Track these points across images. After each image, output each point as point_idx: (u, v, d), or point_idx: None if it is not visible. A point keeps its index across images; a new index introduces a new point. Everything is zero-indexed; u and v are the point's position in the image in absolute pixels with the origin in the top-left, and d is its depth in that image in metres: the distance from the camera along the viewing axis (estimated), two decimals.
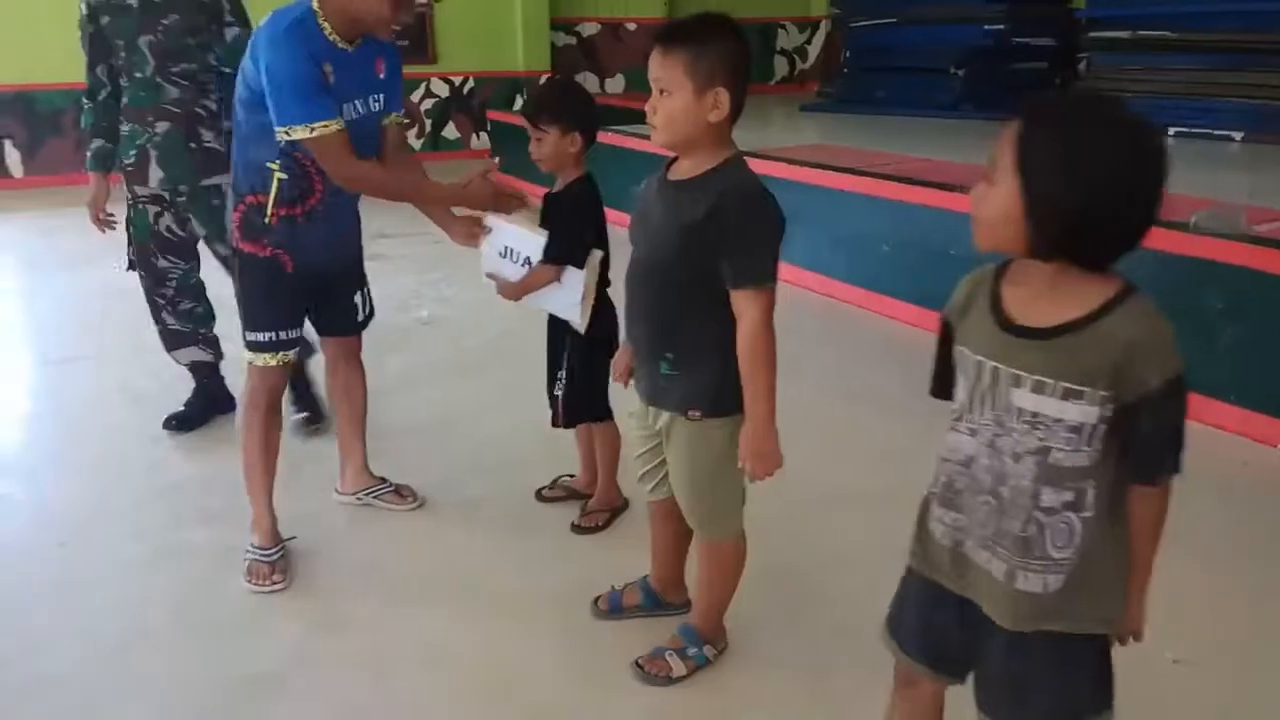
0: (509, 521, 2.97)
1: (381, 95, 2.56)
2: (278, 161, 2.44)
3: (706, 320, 1.93)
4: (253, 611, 2.51)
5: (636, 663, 2.22)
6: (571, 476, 3.11)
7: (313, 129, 2.32)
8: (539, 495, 3.08)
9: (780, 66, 12.88)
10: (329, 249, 2.64)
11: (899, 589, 1.59)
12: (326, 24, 2.37)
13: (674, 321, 1.98)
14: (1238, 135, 6.78)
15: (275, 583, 2.59)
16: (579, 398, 2.78)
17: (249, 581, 2.59)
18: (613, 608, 2.46)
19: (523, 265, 2.60)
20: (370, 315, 2.92)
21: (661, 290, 1.98)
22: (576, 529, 2.90)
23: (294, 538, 2.77)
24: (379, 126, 2.61)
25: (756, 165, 5.82)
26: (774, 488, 3.02)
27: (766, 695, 2.18)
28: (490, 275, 2.72)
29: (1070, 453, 1.30)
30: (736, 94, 1.85)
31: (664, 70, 1.84)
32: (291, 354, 2.66)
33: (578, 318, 2.60)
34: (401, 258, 5.76)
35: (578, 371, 2.75)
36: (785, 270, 6.17)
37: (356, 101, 2.46)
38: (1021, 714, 1.43)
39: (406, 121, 2.81)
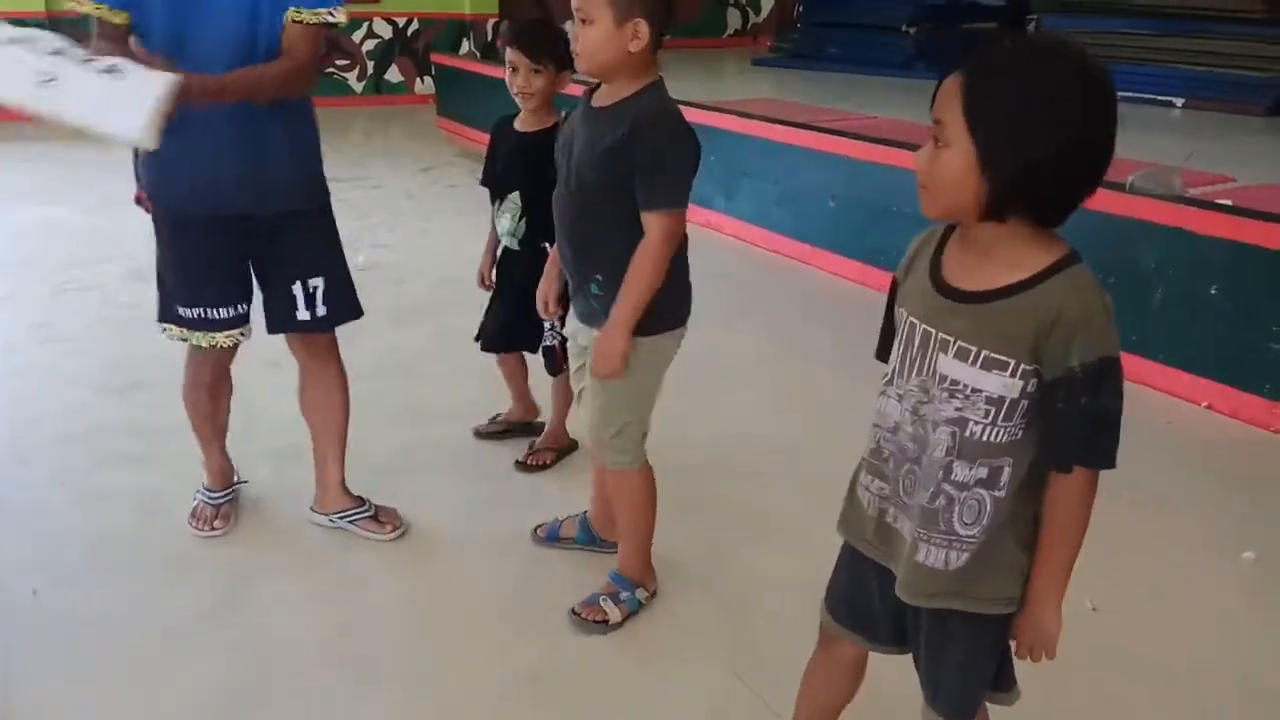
0: (452, 467, 2.94)
1: None
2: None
3: (632, 240, 1.94)
4: (177, 556, 2.45)
5: (573, 610, 2.23)
6: (500, 415, 3.12)
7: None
8: (477, 433, 3.09)
9: (733, 19, 12.76)
10: (186, 169, 2.09)
11: (838, 556, 1.54)
12: None
13: (600, 244, 2.00)
14: (1179, 101, 6.89)
15: (215, 528, 2.49)
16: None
17: (191, 523, 2.51)
18: (550, 535, 2.53)
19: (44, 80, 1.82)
20: (327, 316, 2.36)
21: (587, 214, 2.00)
22: (521, 466, 2.91)
23: (246, 481, 2.66)
24: (253, 32, 2.05)
25: (707, 117, 5.86)
26: (710, 437, 3.11)
27: (692, 641, 2.20)
28: None
29: (987, 426, 1.24)
30: (657, 24, 1.86)
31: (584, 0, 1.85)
32: (224, 335, 2.28)
33: (139, 133, 1.84)
34: (337, 203, 5.64)
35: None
36: (732, 224, 6.20)
37: None
38: (933, 688, 1.43)
39: (307, 20, 2.08)
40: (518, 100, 2.67)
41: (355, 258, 4.65)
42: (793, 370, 3.73)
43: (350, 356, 2.54)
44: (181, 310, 2.26)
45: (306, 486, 2.61)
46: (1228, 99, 6.66)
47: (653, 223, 1.90)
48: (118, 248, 4.88)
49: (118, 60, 1.83)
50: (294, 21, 2.07)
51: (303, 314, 2.33)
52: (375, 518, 2.59)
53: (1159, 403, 3.50)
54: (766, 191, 5.42)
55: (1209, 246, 3.45)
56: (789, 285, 4.83)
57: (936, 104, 1.19)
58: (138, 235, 3.47)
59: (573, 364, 2.28)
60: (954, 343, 1.24)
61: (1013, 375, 1.21)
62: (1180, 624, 2.31)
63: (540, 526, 2.54)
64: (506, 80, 2.66)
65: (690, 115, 6.53)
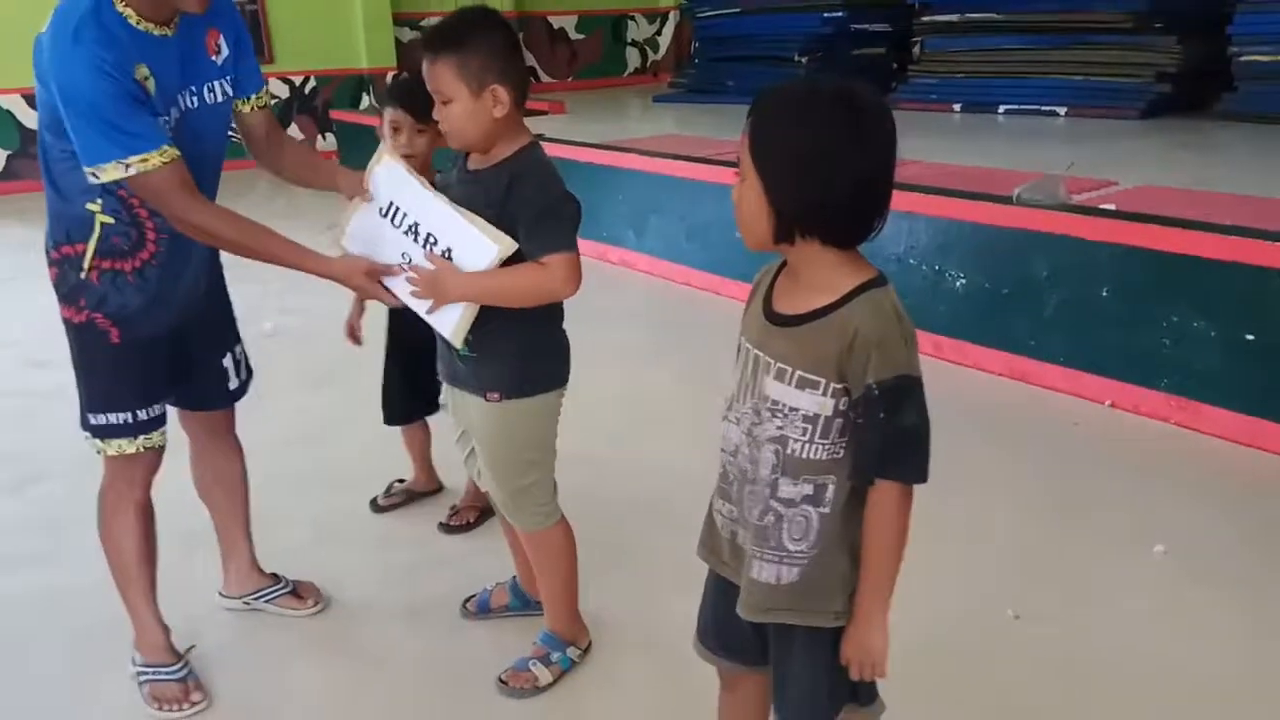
0: (367, 536, 2.87)
1: (224, 79, 2.01)
2: (99, 201, 1.90)
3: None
4: (86, 660, 2.33)
5: (500, 679, 2.17)
6: (401, 481, 3.06)
7: (128, 164, 1.77)
8: (375, 506, 3.01)
9: (632, 58, 12.91)
10: (170, 309, 2.06)
11: (704, 587, 1.57)
12: (127, 9, 1.80)
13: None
14: (1062, 110, 7.16)
15: (195, 702, 2.14)
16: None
17: (161, 709, 2.13)
18: (480, 608, 2.45)
19: (429, 250, 1.91)
20: (248, 379, 2.36)
21: None
22: (445, 528, 2.85)
23: (194, 646, 2.30)
24: (227, 117, 2.07)
25: (613, 158, 5.89)
26: (634, 481, 3.08)
27: (629, 697, 2.17)
28: (357, 247, 2.01)
29: (805, 443, 1.30)
30: (514, 84, 1.85)
31: (436, 80, 1.84)
32: (158, 435, 2.09)
33: (453, 328, 1.92)
34: (241, 266, 5.51)
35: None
36: (644, 260, 6.20)
37: (185, 95, 1.94)
38: (780, 702, 1.45)
39: (273, 100, 2.36)
40: None
41: (261, 324, 4.57)
42: (712, 405, 3.72)
43: (255, 426, 2.46)
44: (111, 418, 2.04)
45: (214, 571, 2.51)
46: (1106, 105, 6.95)
47: (557, 263, 1.83)
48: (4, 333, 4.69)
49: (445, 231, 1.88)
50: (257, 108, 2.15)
51: (234, 382, 2.31)
52: (295, 593, 2.50)
53: (1064, 405, 3.60)
54: (675, 227, 5.46)
55: (1097, 251, 3.58)
56: (704, 318, 4.86)
57: (740, 143, 1.28)
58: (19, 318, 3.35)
59: (452, 430, 2.20)
60: (774, 365, 1.31)
61: (824, 394, 1.28)
62: (1100, 624, 2.36)
63: (470, 599, 2.46)
64: (385, 138, 2.55)
65: (596, 156, 6.56)
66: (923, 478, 1.28)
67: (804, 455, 1.30)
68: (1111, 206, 3.73)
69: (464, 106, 1.83)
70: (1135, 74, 7.05)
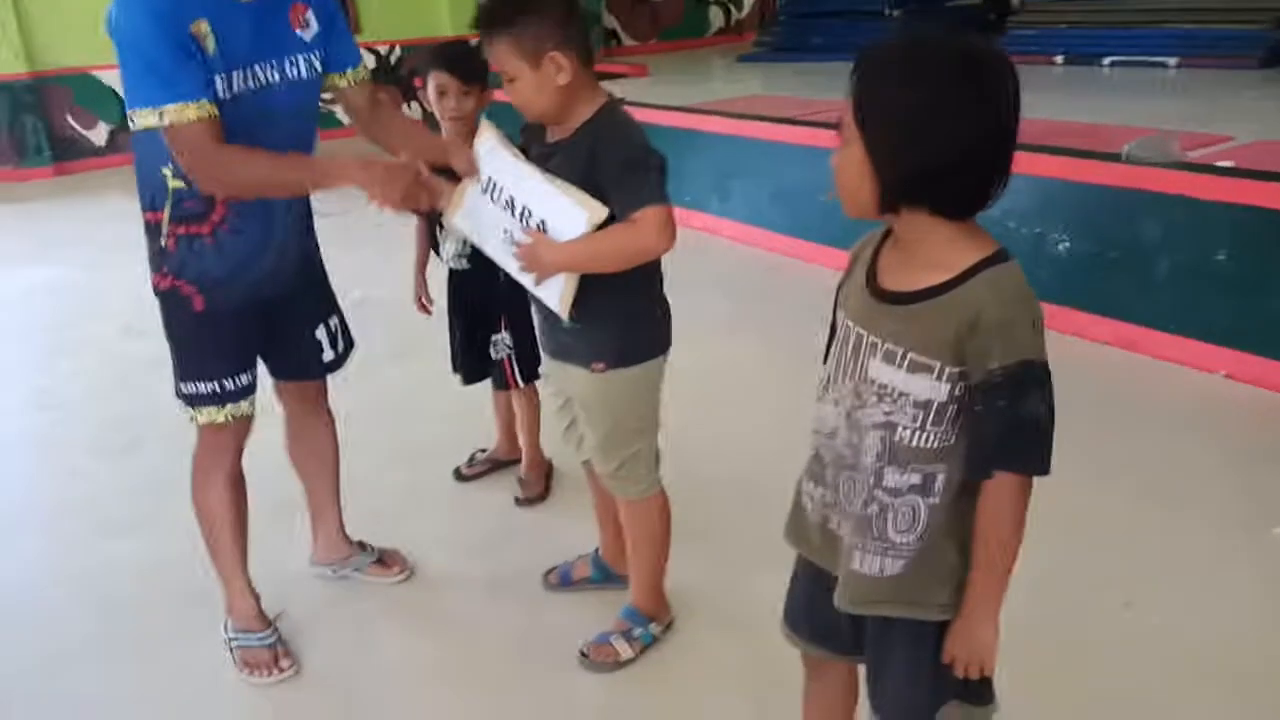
0: (453, 506, 2.88)
1: (310, 55, 1.97)
2: (170, 165, 1.88)
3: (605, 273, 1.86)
4: (180, 625, 2.40)
5: (581, 652, 2.16)
6: (484, 451, 3.06)
7: (162, 112, 1.74)
8: (458, 475, 3.01)
9: (716, 17, 12.69)
10: (255, 278, 2.04)
11: (792, 570, 1.50)
12: None
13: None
14: (1172, 61, 6.77)
15: (283, 669, 2.18)
16: (528, 355, 2.70)
17: (251, 674, 2.18)
18: (563, 580, 2.44)
19: (525, 225, 1.89)
20: (347, 351, 2.35)
21: None
22: (521, 502, 2.85)
23: (284, 611, 2.34)
24: (313, 93, 2.02)
25: (693, 120, 5.79)
26: (716, 457, 3.02)
27: (712, 673, 2.13)
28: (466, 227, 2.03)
29: (915, 431, 1.21)
30: (576, 48, 1.80)
31: (495, 59, 1.82)
32: (246, 404, 2.10)
33: (558, 300, 1.90)
34: (332, 235, 5.61)
35: (520, 328, 2.69)
36: (728, 226, 6.10)
37: (261, 67, 1.88)
38: (877, 697, 1.38)
39: (366, 76, 2.13)
40: (446, 125, 2.59)
41: (352, 293, 4.64)
42: (799, 379, 3.58)
43: (342, 394, 2.47)
44: (200, 386, 2.05)
45: (304, 539, 2.55)
46: (1221, 55, 6.54)
47: (647, 217, 1.75)
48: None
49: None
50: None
51: (329, 354, 2.29)
52: (381, 561, 2.53)
53: (1176, 375, 3.40)
54: (760, 191, 5.34)
55: (1213, 211, 3.36)
56: (790, 286, 4.74)
57: (844, 105, 1.17)
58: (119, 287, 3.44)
59: (552, 403, 2.19)
60: (882, 345, 1.21)
61: (939, 378, 1.18)
62: (1214, 612, 2.22)
63: (551, 571, 2.45)
64: (433, 103, 2.58)
65: (678, 120, 6.46)
66: (1045, 469, 1.18)
67: (913, 443, 1.21)
68: (1229, 163, 3.49)
69: (527, 81, 1.80)
70: (1252, 20, 6.62)
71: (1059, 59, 7.24)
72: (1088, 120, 4.46)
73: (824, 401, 1.33)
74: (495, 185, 1.91)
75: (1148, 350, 3.52)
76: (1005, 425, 1.15)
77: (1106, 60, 7.02)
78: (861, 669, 1.47)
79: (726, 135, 5.49)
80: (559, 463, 2.94)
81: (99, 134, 8.87)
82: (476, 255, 2.58)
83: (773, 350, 3.86)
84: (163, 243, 1.97)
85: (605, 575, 2.41)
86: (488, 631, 2.32)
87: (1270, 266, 3.24)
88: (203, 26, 1.78)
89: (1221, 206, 3.34)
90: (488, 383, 2.90)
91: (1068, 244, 3.74)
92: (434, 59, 2.59)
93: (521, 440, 2.93)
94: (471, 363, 2.85)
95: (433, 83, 2.56)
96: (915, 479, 1.23)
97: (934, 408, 1.19)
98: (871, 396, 1.23)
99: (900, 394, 1.20)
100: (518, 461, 3.01)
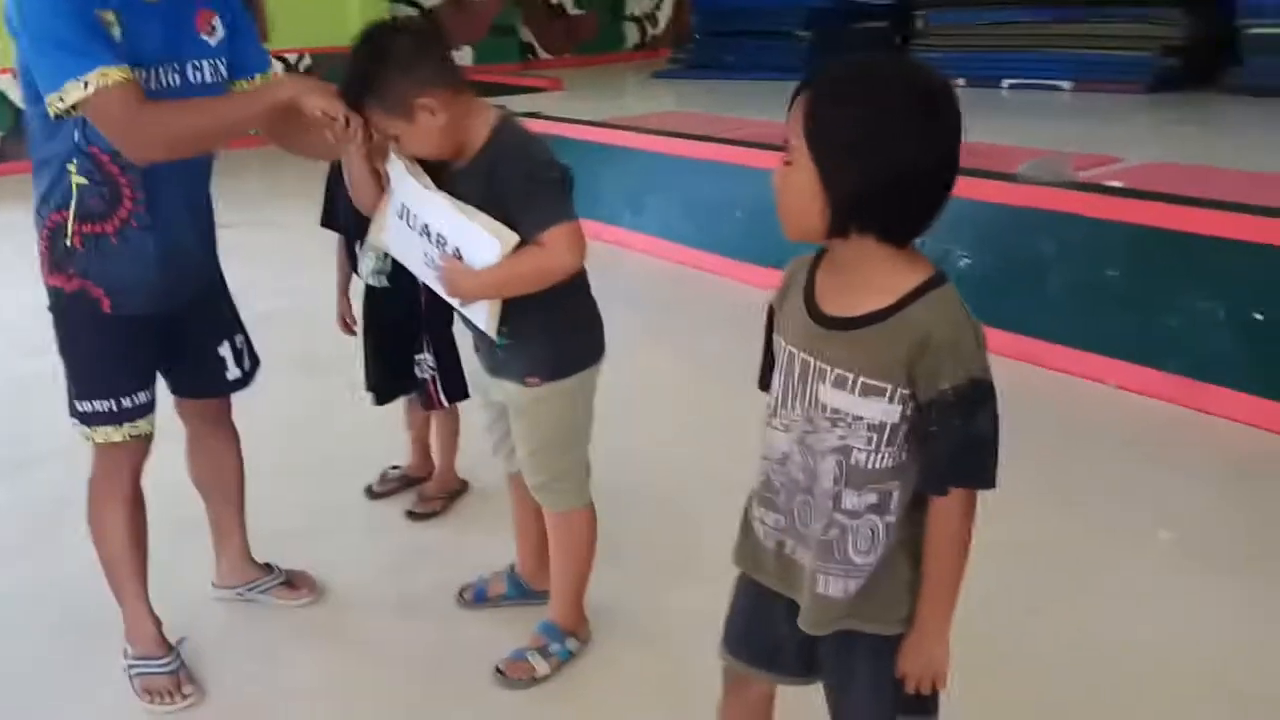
0: (362, 525, 2.83)
1: (215, 60, 1.95)
2: (74, 162, 1.86)
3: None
4: (71, 648, 2.30)
5: (497, 669, 2.14)
6: (396, 468, 3.01)
7: (86, 82, 1.69)
8: (370, 493, 2.97)
9: (631, 33, 12.77)
10: (158, 277, 1.98)
11: (732, 593, 1.50)
12: None
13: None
14: (1067, 85, 7.07)
15: (186, 696, 2.10)
16: (452, 375, 2.69)
17: (152, 702, 2.10)
18: (477, 597, 2.42)
19: (441, 251, 1.89)
20: (253, 369, 2.30)
21: None
22: (412, 516, 2.82)
23: (185, 639, 2.25)
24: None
25: (607, 135, 5.80)
26: (631, 470, 3.02)
27: (628, 689, 2.13)
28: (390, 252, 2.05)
29: (870, 453, 1.22)
30: (439, 81, 1.80)
31: (374, 125, 1.82)
32: (145, 423, 2.04)
33: (485, 322, 1.91)
34: (236, 248, 5.46)
35: (443, 348, 2.68)
36: (640, 239, 6.10)
37: (164, 69, 1.86)
38: (843, 711, 1.40)
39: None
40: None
41: (256, 305, 4.51)
42: (712, 390, 3.68)
43: (246, 411, 2.40)
44: (96, 404, 1.99)
45: (208, 561, 2.47)
46: (1112, 80, 6.86)
47: (554, 238, 1.78)
48: None
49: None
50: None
51: (233, 372, 2.24)
52: (289, 584, 2.46)
53: (1068, 386, 3.55)
54: (672, 205, 5.39)
55: (1104, 229, 3.52)
56: (702, 299, 4.80)
57: (788, 123, 1.17)
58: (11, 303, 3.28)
59: (484, 417, 2.19)
60: (832, 370, 1.22)
61: (891, 400, 1.20)
62: (1108, 613, 2.32)
63: (466, 588, 2.42)
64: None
65: (592, 134, 6.48)
66: (991, 483, 1.21)
67: (869, 465, 1.23)
68: (1119, 184, 3.67)
69: (410, 134, 1.81)
70: (1141, 47, 6.95)
71: (961, 81, 7.49)
72: (987, 141, 4.63)
73: (773, 428, 1.32)
74: (409, 211, 1.90)
75: (1045, 362, 3.66)
76: (959, 443, 1.18)
77: (1005, 83, 7.30)
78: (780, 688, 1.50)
79: (640, 150, 5.54)
80: (473, 479, 2.92)
81: None
82: (396, 274, 2.56)
83: (687, 363, 3.90)
84: (68, 243, 1.92)
85: (521, 591, 2.39)
86: (400, 651, 2.28)
87: (1158, 282, 3.41)
88: (109, 16, 1.77)
89: (1112, 224, 3.50)
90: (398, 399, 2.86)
91: (969, 260, 3.87)
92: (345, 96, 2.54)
93: (437, 458, 2.90)
94: (387, 382, 2.81)
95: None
96: (872, 499, 1.25)
97: (887, 429, 1.21)
98: (824, 421, 1.24)
99: (854, 418, 1.21)
100: (426, 478, 2.97)
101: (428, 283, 1.97)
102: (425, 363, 2.71)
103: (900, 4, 8.59)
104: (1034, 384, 3.57)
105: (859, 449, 1.22)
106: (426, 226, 1.87)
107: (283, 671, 2.24)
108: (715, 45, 9.49)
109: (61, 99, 1.73)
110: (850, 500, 1.25)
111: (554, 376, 1.96)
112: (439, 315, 2.61)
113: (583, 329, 2.02)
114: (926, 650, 1.29)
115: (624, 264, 5.29)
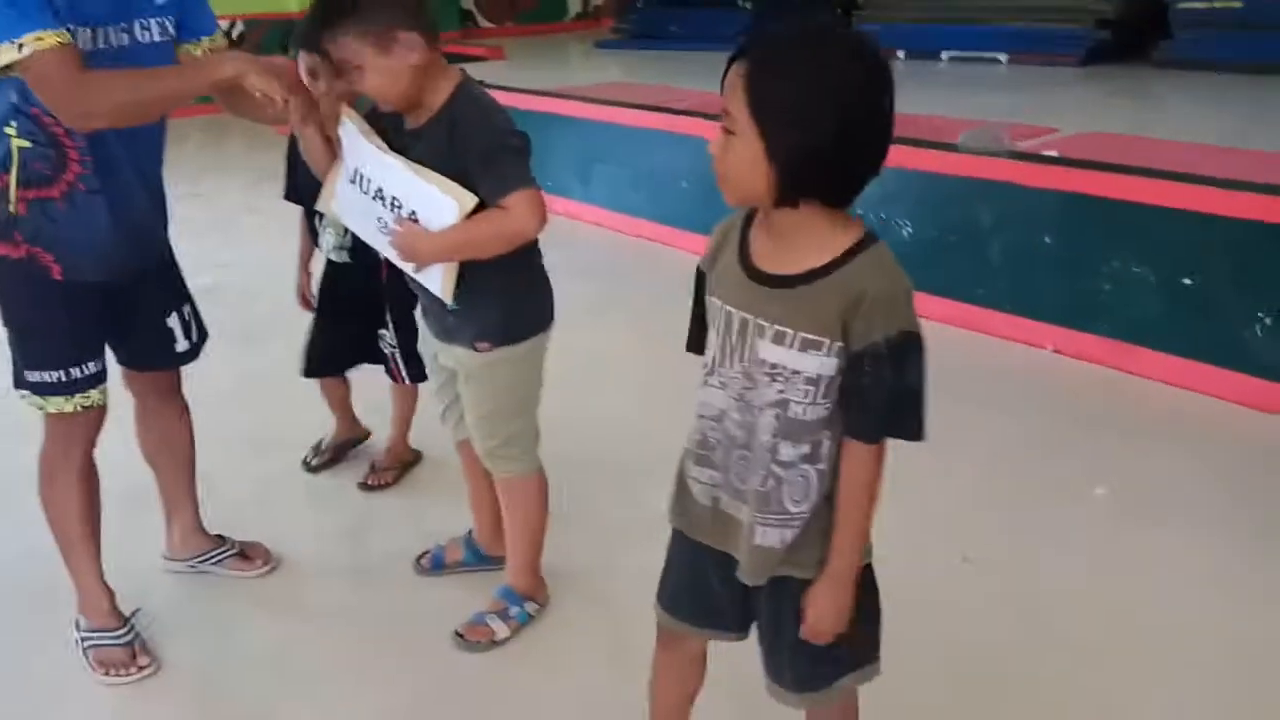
0: (313, 495, 2.82)
1: (163, 19, 1.91)
2: (13, 124, 1.82)
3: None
4: (26, 627, 2.26)
5: (456, 632, 2.17)
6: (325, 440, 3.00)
7: (20, 44, 1.65)
8: (307, 466, 2.94)
9: (573, 3, 12.65)
10: (111, 244, 1.95)
11: (667, 553, 1.54)
12: None
13: None
14: (1003, 57, 7.20)
15: (143, 667, 2.09)
16: (414, 353, 2.67)
17: (107, 674, 2.08)
18: (435, 564, 2.43)
19: (396, 215, 1.87)
20: (201, 341, 2.28)
21: None
22: (364, 487, 2.82)
23: (139, 610, 2.22)
24: (166, 59, 1.94)
25: (553, 105, 5.77)
26: (586, 438, 3.05)
27: (586, 650, 2.17)
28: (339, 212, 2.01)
29: (808, 405, 1.27)
30: (422, 26, 1.78)
31: (340, 50, 1.77)
32: (96, 394, 2.02)
33: (440, 286, 1.90)
34: (180, 222, 5.34)
35: (403, 325, 2.67)
36: (590, 211, 6.09)
37: (112, 28, 1.82)
38: (777, 663, 1.44)
39: (223, 46, 2.08)
40: (322, 106, 2.52)
41: (200, 279, 4.43)
42: (662, 359, 3.66)
43: (194, 384, 2.38)
44: (45, 375, 1.96)
45: (159, 532, 2.44)
46: (1046, 52, 7.00)
47: (516, 202, 1.77)
48: None
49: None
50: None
51: (182, 344, 2.22)
52: (242, 555, 2.45)
53: (1008, 351, 3.66)
54: (620, 176, 5.40)
55: (1040, 198, 3.62)
56: (652, 269, 4.82)
57: (725, 93, 1.20)
58: None
59: (434, 381, 2.20)
60: (770, 327, 1.26)
61: (828, 354, 1.25)
62: (1046, 567, 2.41)
63: (423, 556, 2.43)
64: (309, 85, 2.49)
65: (537, 104, 6.41)
66: (921, 435, 1.26)
67: (805, 416, 1.28)
68: (1054, 153, 3.77)
69: (378, 68, 1.76)
70: (1075, 20, 7.11)
71: (901, 53, 7.60)
72: (927, 112, 4.71)
73: (709, 385, 1.36)
74: (362, 176, 1.88)
75: (985, 328, 3.77)
76: (891, 394, 1.23)
77: (944, 55, 7.42)
78: (712, 644, 1.55)
79: (590, 120, 5.52)
80: (426, 449, 2.92)
81: None
82: (358, 248, 2.55)
83: (636, 333, 3.93)
84: (11, 209, 1.87)
85: (479, 558, 2.41)
86: (358, 618, 2.29)
87: (1092, 248, 3.52)
88: None
89: (1049, 193, 3.60)
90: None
91: (910, 229, 3.95)
92: (303, 38, 2.51)
93: (391, 431, 2.89)
94: (332, 356, 2.79)
95: (302, 63, 2.47)
96: (805, 449, 1.30)
97: (823, 382, 1.26)
98: (763, 377, 1.28)
99: (793, 372, 1.26)
100: (360, 440, 2.97)
101: (380, 249, 1.96)
102: (387, 339, 2.70)
103: None
104: (974, 349, 3.67)
105: (796, 401, 1.27)
106: (380, 190, 1.86)
107: (239, 641, 2.23)
108: (659, 15, 9.49)
109: None
110: (786, 451, 1.30)
111: (505, 342, 1.97)
112: (400, 292, 2.59)
113: (534, 295, 2.04)
114: (840, 594, 1.34)
115: (574, 235, 5.28)
